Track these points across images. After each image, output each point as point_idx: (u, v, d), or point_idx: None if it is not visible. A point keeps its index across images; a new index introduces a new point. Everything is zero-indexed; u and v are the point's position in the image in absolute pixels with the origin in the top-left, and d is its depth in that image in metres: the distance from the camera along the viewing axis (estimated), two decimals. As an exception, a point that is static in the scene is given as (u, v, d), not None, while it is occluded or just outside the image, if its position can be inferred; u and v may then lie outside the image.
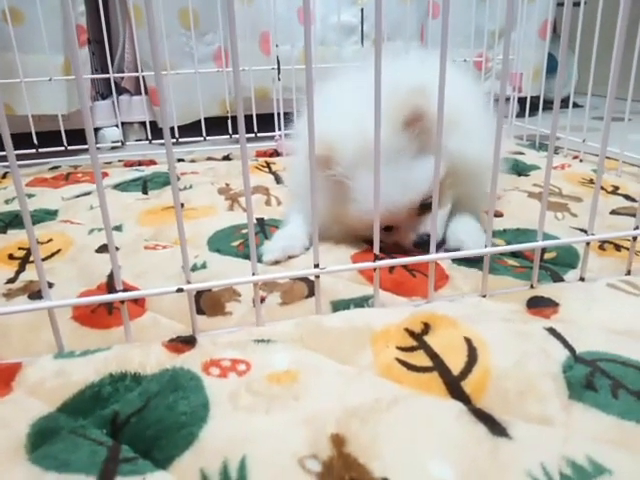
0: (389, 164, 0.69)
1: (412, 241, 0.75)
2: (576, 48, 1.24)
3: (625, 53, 0.59)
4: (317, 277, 0.59)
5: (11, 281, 0.72)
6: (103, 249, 0.81)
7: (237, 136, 0.52)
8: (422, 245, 0.72)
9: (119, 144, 1.50)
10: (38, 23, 1.29)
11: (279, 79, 1.42)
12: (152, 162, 1.38)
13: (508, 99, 1.57)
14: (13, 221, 0.94)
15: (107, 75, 1.44)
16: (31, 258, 0.77)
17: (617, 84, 0.61)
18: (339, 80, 0.89)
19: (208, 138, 1.45)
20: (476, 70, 1.60)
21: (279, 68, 1.41)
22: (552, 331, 0.54)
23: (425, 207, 0.73)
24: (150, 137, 1.48)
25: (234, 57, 0.49)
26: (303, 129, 0.79)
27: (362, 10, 1.56)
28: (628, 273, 0.68)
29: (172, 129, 1.41)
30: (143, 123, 1.53)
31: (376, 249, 0.59)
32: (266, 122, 1.46)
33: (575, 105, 1.30)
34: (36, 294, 0.67)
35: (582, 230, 0.79)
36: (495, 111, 0.62)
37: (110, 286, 0.69)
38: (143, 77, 1.50)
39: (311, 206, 0.56)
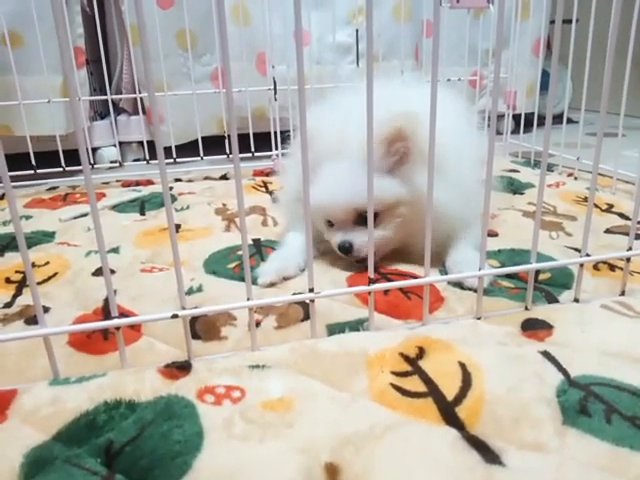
0: (350, 167, 0.74)
1: (336, 243, 0.79)
2: (569, 64, 1.25)
3: (618, 68, 0.60)
4: (312, 301, 0.59)
5: (8, 305, 0.72)
6: (100, 272, 0.81)
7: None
8: (342, 250, 0.78)
9: (117, 164, 1.50)
10: (37, 45, 1.30)
11: (275, 99, 1.43)
12: (150, 182, 1.38)
13: (502, 116, 1.58)
14: (10, 244, 0.94)
15: (105, 96, 1.45)
16: (28, 282, 0.77)
17: (610, 100, 0.62)
18: (330, 101, 0.90)
19: (205, 158, 1.46)
20: (470, 88, 1.61)
21: (275, 88, 1.43)
22: (546, 354, 0.55)
23: (362, 219, 0.76)
24: (148, 157, 1.49)
25: (227, 78, 0.50)
26: (296, 148, 0.82)
27: (357, 30, 1.58)
28: (622, 294, 0.68)
29: (169, 149, 1.42)
30: (141, 143, 1.54)
31: (371, 272, 0.59)
32: (264, 141, 1.47)
33: (570, 121, 1.32)
34: (32, 319, 0.67)
35: (576, 249, 0.80)
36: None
37: (106, 310, 0.69)
38: (141, 97, 1.52)
39: (305, 231, 0.56)
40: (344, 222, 0.78)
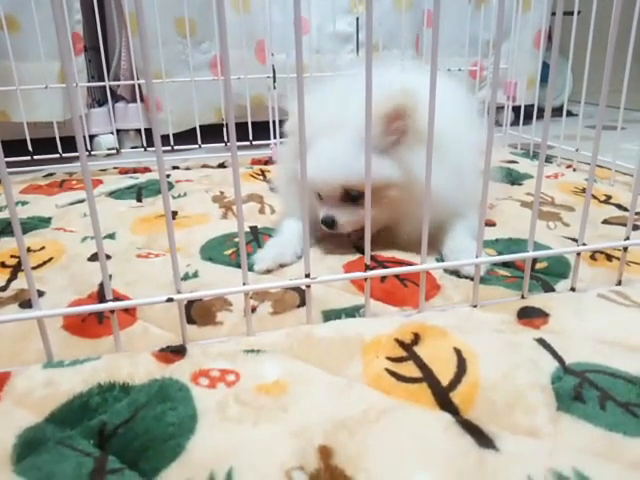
0: (343, 143, 0.74)
1: (321, 217, 0.79)
2: (570, 57, 1.24)
3: (618, 61, 0.60)
4: (308, 287, 0.59)
5: (2, 289, 0.72)
6: (95, 257, 0.80)
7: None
8: (325, 224, 0.79)
9: (114, 151, 1.50)
10: (34, 31, 1.29)
11: (274, 87, 1.42)
12: (147, 169, 1.38)
13: (502, 108, 1.57)
14: (6, 229, 0.94)
15: (103, 83, 1.44)
16: (23, 266, 0.76)
17: (610, 93, 0.61)
18: (330, 85, 0.89)
19: (203, 146, 1.45)
20: (471, 79, 1.61)
21: (274, 76, 1.42)
22: (542, 342, 0.55)
23: (349, 196, 0.76)
24: (145, 144, 1.49)
25: (225, 65, 0.49)
26: (291, 127, 0.81)
27: (357, 19, 1.57)
28: (619, 283, 0.68)
29: (167, 136, 1.41)
30: (139, 130, 1.53)
31: (367, 259, 0.59)
32: (262, 130, 1.46)
33: (569, 113, 1.31)
34: (27, 302, 0.67)
35: (574, 240, 0.80)
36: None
37: (101, 295, 0.69)
38: (139, 84, 1.51)
39: (302, 217, 0.56)
40: (331, 198, 0.78)
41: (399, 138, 0.74)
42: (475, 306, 0.63)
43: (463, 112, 0.87)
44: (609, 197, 1.05)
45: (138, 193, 1.17)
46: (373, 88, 0.52)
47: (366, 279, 0.60)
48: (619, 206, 1.00)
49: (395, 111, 0.72)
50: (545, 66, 1.51)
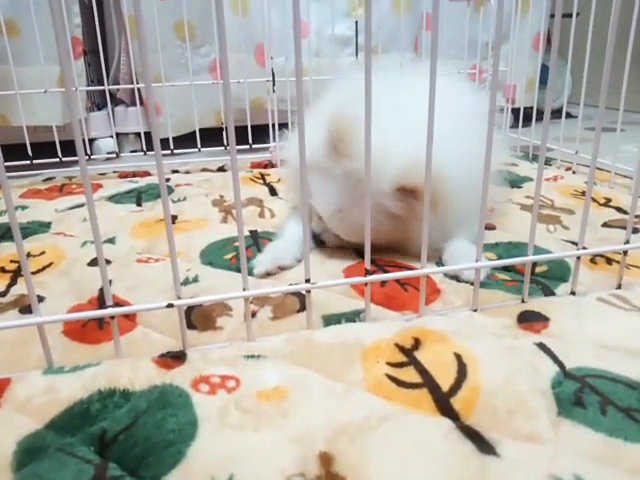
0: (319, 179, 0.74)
1: (316, 231, 0.81)
2: (569, 59, 1.25)
3: (618, 63, 0.60)
4: (308, 292, 0.59)
5: (2, 295, 0.72)
6: (95, 262, 0.80)
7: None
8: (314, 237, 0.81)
9: (114, 155, 1.50)
10: (33, 35, 1.29)
11: (274, 91, 1.42)
12: (147, 173, 1.38)
13: (502, 110, 1.57)
14: (6, 233, 0.94)
15: (102, 87, 1.44)
16: (22, 272, 0.76)
17: (609, 94, 0.61)
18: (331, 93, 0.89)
19: (203, 149, 1.45)
20: (470, 81, 1.61)
21: (274, 80, 1.42)
22: (542, 346, 0.55)
23: None
24: (145, 148, 1.49)
25: (225, 69, 0.49)
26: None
27: (356, 22, 1.57)
28: (619, 287, 0.68)
29: (167, 140, 1.41)
30: (138, 134, 1.53)
31: (367, 264, 0.59)
32: (262, 133, 1.46)
33: (569, 115, 1.31)
34: (27, 308, 0.67)
35: (574, 243, 0.80)
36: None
37: (101, 300, 0.69)
38: (138, 88, 1.51)
39: (302, 219, 0.56)
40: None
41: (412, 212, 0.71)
42: (475, 310, 0.63)
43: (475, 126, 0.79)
44: (609, 200, 1.05)
45: (138, 197, 1.17)
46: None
47: (366, 284, 0.60)
48: (619, 209, 1.00)
49: (411, 188, 0.68)
50: (544, 68, 1.52)
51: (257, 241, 0.88)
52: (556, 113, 1.16)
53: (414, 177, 0.66)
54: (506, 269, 0.74)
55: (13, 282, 0.76)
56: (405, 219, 0.73)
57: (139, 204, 1.13)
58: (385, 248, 0.80)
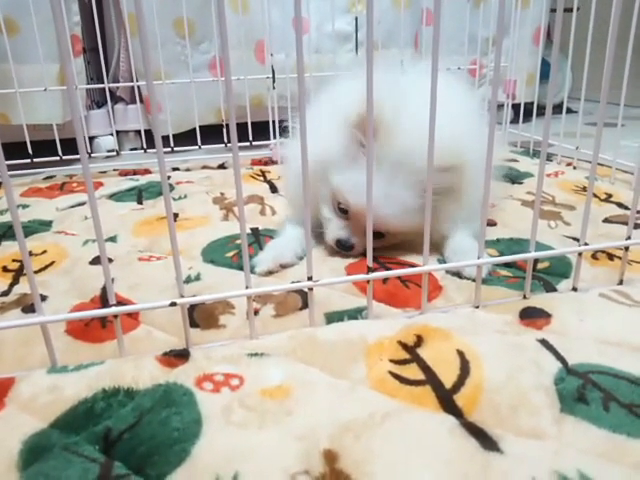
0: (405, 186, 0.72)
1: (338, 237, 0.78)
2: (569, 54, 1.24)
3: (618, 57, 0.60)
4: (311, 289, 0.59)
5: (4, 294, 0.72)
6: (97, 261, 0.80)
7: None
8: (342, 246, 0.78)
9: (114, 153, 1.50)
10: (33, 33, 1.29)
11: (274, 88, 1.42)
12: (147, 171, 1.38)
13: (502, 106, 1.57)
14: (7, 232, 0.94)
15: (102, 85, 1.44)
16: (25, 271, 0.77)
17: (610, 90, 0.61)
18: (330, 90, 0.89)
19: (203, 147, 1.45)
20: (470, 77, 1.60)
21: (274, 77, 1.42)
22: (544, 343, 0.55)
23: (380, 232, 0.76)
24: (145, 146, 1.48)
25: (226, 66, 0.49)
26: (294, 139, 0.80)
27: (356, 18, 1.57)
28: (620, 283, 0.68)
29: (167, 138, 1.41)
30: (138, 132, 1.53)
31: (369, 261, 0.59)
32: (262, 130, 1.46)
33: (569, 111, 1.31)
34: (30, 307, 0.67)
35: (575, 239, 0.80)
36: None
37: (104, 299, 0.69)
38: (138, 86, 1.51)
39: (304, 218, 0.56)
40: (361, 225, 0.74)
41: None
42: (477, 307, 0.63)
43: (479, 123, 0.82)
44: (610, 195, 1.05)
45: (139, 195, 1.17)
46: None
47: (368, 281, 0.60)
48: (620, 204, 1.00)
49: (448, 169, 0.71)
50: (544, 63, 1.52)
51: (258, 239, 0.88)
52: (556, 108, 1.16)
53: (450, 156, 0.70)
54: (508, 265, 0.75)
55: (15, 281, 0.76)
56: (442, 199, 0.74)
57: (140, 202, 1.13)
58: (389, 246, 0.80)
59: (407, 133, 0.70)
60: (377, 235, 0.76)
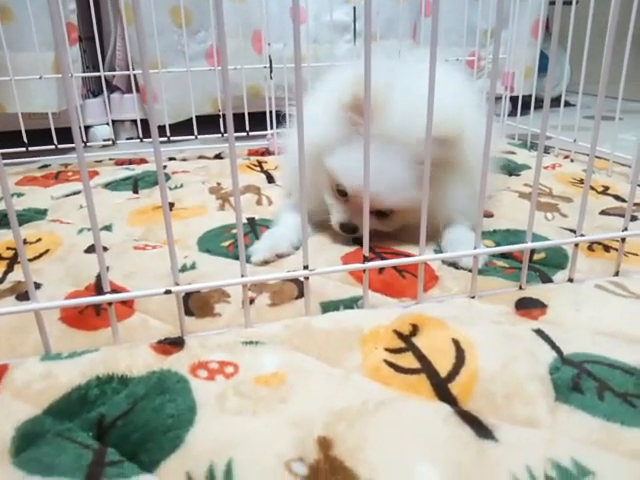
0: (400, 161, 0.72)
1: (343, 220, 0.78)
2: (568, 47, 1.24)
3: (616, 51, 0.59)
4: (306, 278, 0.59)
5: (-1, 282, 0.71)
6: (92, 249, 0.80)
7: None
8: (346, 229, 0.78)
9: (110, 142, 1.49)
10: (28, 21, 1.28)
11: (271, 78, 1.41)
12: (143, 160, 1.37)
13: (500, 98, 1.57)
14: (2, 220, 0.93)
15: (98, 73, 1.43)
16: (19, 258, 0.76)
17: (608, 83, 0.61)
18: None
19: (200, 136, 1.45)
20: (469, 69, 1.60)
21: (271, 67, 1.41)
22: (540, 333, 0.55)
23: (381, 211, 0.76)
24: (141, 135, 1.48)
25: (223, 55, 0.49)
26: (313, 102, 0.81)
27: (355, 8, 1.56)
28: (616, 274, 0.68)
29: (163, 127, 1.40)
30: (134, 121, 1.52)
31: (365, 250, 0.59)
32: (259, 120, 1.46)
33: (567, 104, 1.31)
34: (24, 295, 0.67)
35: (571, 231, 0.80)
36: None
37: (99, 287, 0.68)
38: (134, 75, 1.49)
39: (300, 208, 0.56)
40: (355, 198, 0.76)
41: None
42: (473, 297, 0.63)
43: (477, 114, 0.81)
44: (607, 188, 1.05)
45: (134, 184, 1.16)
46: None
47: (364, 270, 0.60)
48: (617, 197, 1.00)
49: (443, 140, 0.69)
50: (542, 56, 1.51)
51: (255, 228, 0.88)
52: (555, 101, 1.15)
53: (445, 127, 0.68)
54: (504, 256, 0.74)
55: (10, 269, 0.75)
56: (438, 175, 0.72)
57: (136, 191, 1.12)
58: (385, 235, 0.80)
59: (400, 107, 0.70)
60: (382, 215, 0.77)
